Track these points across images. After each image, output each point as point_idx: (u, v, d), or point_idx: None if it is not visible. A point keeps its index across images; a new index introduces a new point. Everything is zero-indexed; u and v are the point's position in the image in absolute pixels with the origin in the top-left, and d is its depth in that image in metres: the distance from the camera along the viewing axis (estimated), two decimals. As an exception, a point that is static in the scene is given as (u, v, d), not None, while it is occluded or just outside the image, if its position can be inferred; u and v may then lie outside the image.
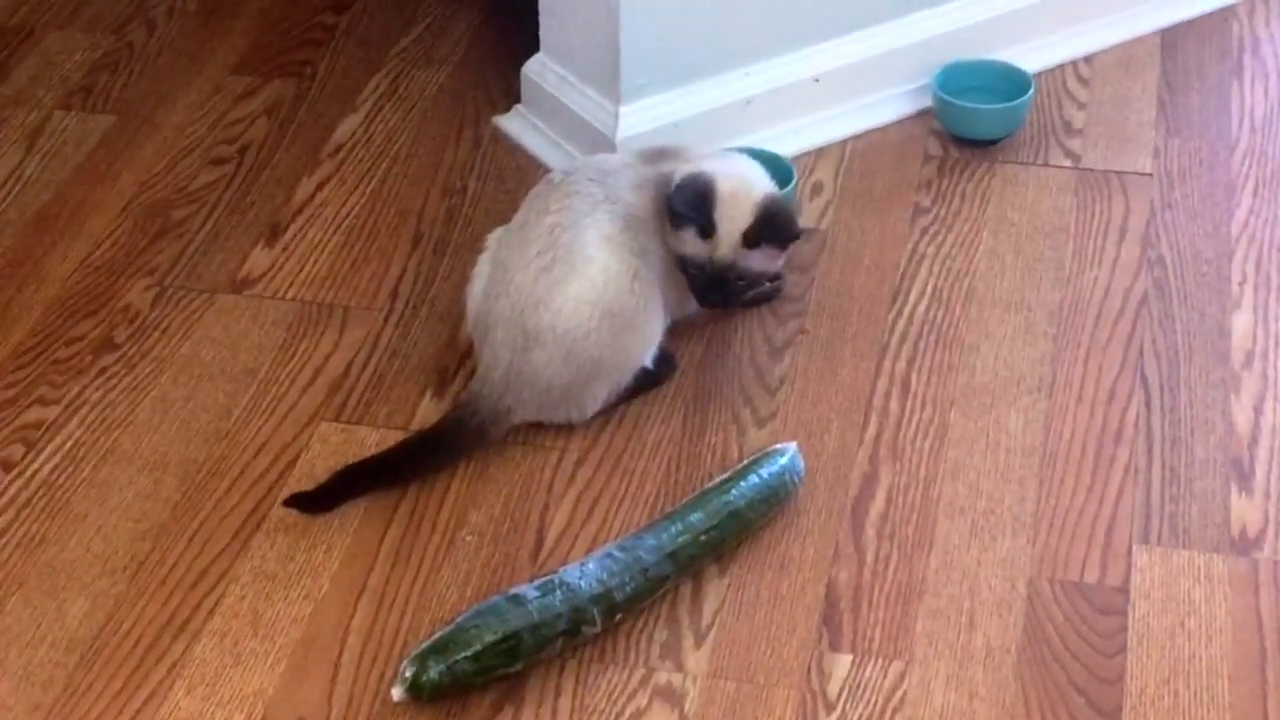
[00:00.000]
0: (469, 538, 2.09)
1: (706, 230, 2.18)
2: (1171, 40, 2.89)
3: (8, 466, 2.19)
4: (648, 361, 2.22)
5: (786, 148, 2.60)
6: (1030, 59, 2.76)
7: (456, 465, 2.17)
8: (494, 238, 2.25)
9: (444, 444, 2.16)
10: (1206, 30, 2.92)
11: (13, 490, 2.16)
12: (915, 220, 2.54)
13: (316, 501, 2.11)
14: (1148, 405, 2.25)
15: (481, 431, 2.16)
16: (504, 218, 2.31)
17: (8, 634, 1.99)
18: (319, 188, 2.64)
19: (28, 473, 2.18)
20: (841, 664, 1.94)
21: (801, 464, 2.12)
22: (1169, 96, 2.78)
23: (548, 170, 2.61)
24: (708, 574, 2.04)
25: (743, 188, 2.21)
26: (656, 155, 2.28)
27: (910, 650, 1.96)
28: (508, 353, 2.15)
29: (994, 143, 2.67)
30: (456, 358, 2.33)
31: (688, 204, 2.16)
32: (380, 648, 1.96)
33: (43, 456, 2.20)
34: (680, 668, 1.94)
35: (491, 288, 2.19)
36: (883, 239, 2.51)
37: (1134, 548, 2.07)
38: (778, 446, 2.13)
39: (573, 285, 2.14)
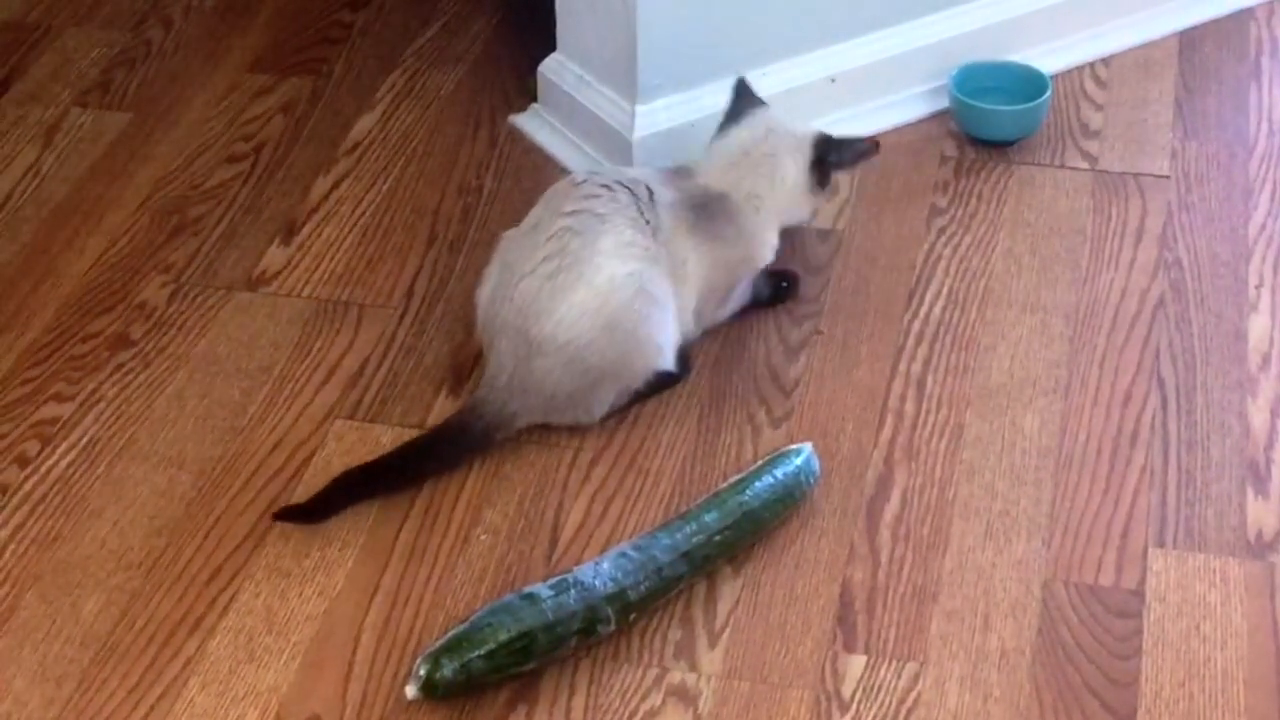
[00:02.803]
0: (483, 536, 2.09)
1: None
2: (1189, 42, 2.89)
3: (23, 463, 2.19)
4: (668, 365, 2.22)
5: (803, 148, 2.60)
6: (1048, 60, 2.76)
7: (471, 464, 2.17)
8: (507, 237, 2.25)
9: (449, 447, 2.16)
10: (1224, 32, 2.91)
11: (28, 486, 2.16)
12: (931, 221, 2.54)
13: (312, 512, 2.09)
14: (1164, 407, 2.25)
15: (487, 435, 2.16)
16: (520, 216, 2.31)
17: (23, 629, 1.99)
18: (335, 186, 2.65)
19: (43, 469, 2.19)
20: (856, 665, 1.94)
21: (816, 464, 2.12)
22: (1186, 98, 2.77)
23: (564, 169, 2.61)
24: (722, 574, 2.04)
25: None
26: (676, 175, 2.28)
27: (925, 651, 1.95)
28: (511, 360, 2.15)
29: (1011, 144, 2.66)
30: (471, 356, 2.33)
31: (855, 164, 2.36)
32: (394, 645, 1.96)
33: (58, 452, 2.21)
34: (694, 667, 1.94)
35: (498, 291, 2.18)
36: (899, 240, 2.51)
37: (1149, 550, 2.07)
38: (793, 447, 2.12)
39: (577, 294, 2.12)
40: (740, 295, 2.32)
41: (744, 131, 2.31)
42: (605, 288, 2.13)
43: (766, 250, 2.29)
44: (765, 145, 2.29)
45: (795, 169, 2.29)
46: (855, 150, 2.33)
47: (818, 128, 2.34)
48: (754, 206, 2.26)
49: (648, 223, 2.16)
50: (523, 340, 2.14)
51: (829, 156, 2.30)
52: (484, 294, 2.22)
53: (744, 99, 2.34)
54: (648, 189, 2.19)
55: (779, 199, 2.28)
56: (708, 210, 2.23)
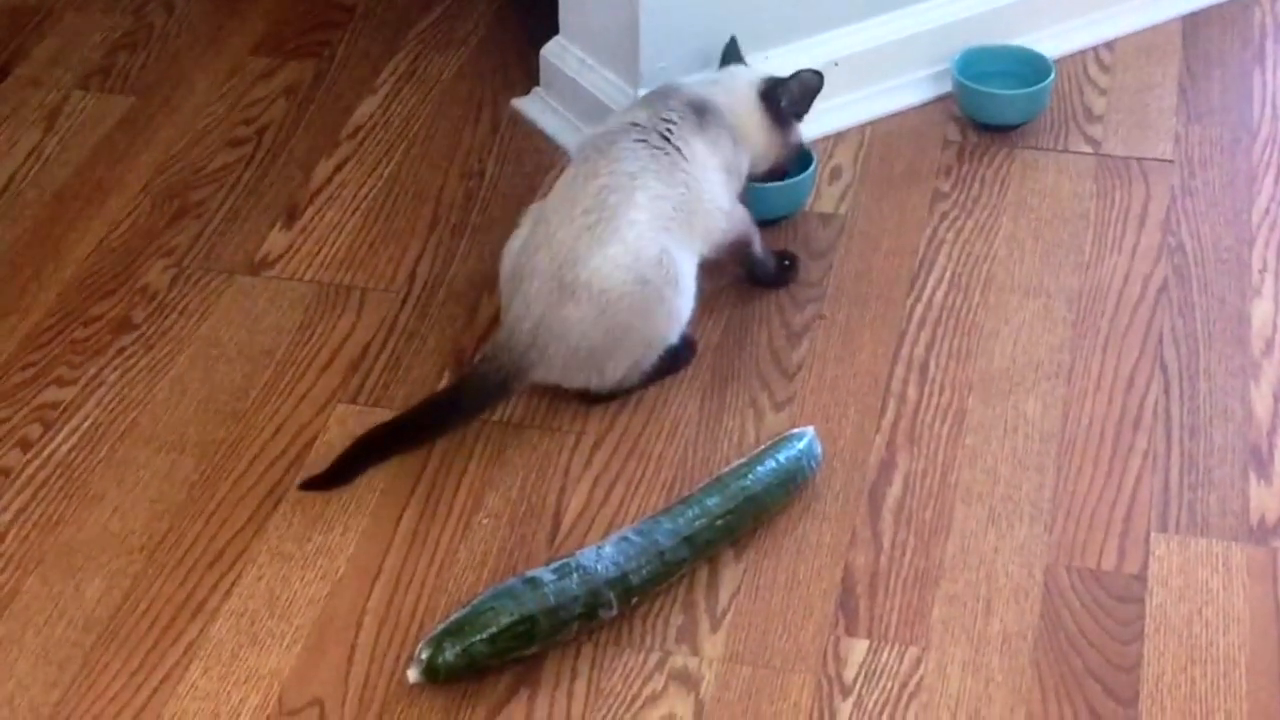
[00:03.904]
0: (485, 520, 2.09)
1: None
2: (1193, 26, 2.88)
3: (25, 446, 2.19)
4: (674, 338, 2.23)
5: (806, 132, 2.58)
6: (1051, 44, 2.76)
7: (473, 449, 2.17)
8: (534, 207, 2.26)
9: (465, 399, 2.16)
10: (1229, 16, 2.91)
11: (30, 470, 2.16)
12: (934, 205, 2.54)
13: (337, 476, 2.11)
14: (1166, 392, 2.24)
15: (503, 386, 2.16)
16: (522, 200, 2.32)
17: (25, 613, 1.99)
18: (337, 169, 2.64)
19: (45, 452, 2.18)
20: (858, 649, 1.94)
21: (819, 449, 2.12)
22: (1190, 83, 2.77)
23: (566, 153, 2.60)
24: (724, 558, 2.04)
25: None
26: (664, 94, 2.33)
27: (927, 636, 1.95)
28: (541, 305, 2.15)
29: (1014, 128, 2.66)
30: (474, 339, 2.33)
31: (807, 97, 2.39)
32: (396, 629, 1.96)
33: (60, 436, 2.21)
34: (696, 652, 1.94)
35: (531, 241, 2.19)
36: (902, 224, 2.51)
37: (1152, 535, 2.07)
38: (795, 431, 2.12)
39: (613, 246, 2.14)
40: (745, 220, 2.34)
41: (711, 72, 2.42)
42: (636, 244, 2.15)
43: (748, 156, 2.36)
44: (728, 72, 2.40)
45: (752, 97, 2.36)
46: (800, 82, 2.37)
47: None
48: (732, 114, 2.33)
49: (673, 165, 2.22)
50: (556, 285, 2.14)
51: (776, 90, 2.36)
52: (513, 246, 2.23)
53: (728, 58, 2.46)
54: (665, 123, 2.25)
55: (743, 119, 2.34)
56: (706, 111, 2.30)
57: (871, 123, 2.69)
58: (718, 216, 2.27)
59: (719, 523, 2.02)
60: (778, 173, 2.44)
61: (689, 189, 2.23)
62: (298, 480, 2.12)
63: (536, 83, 2.76)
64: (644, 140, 2.22)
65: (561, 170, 2.29)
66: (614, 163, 2.19)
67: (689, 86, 2.34)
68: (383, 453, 2.14)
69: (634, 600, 1.97)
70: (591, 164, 2.21)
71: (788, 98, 2.36)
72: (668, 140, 2.23)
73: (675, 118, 2.26)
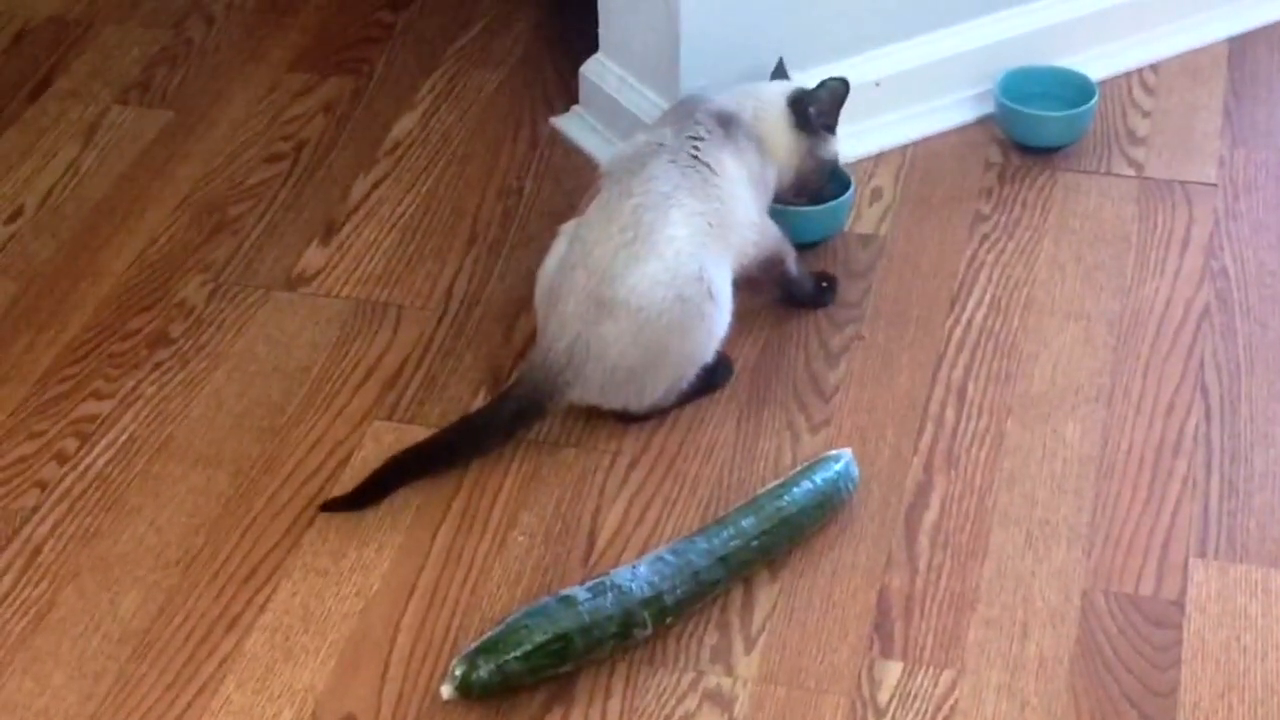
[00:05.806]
0: (520, 538, 2.09)
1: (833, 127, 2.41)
2: (1239, 49, 2.86)
3: (62, 459, 2.20)
4: (710, 356, 2.22)
5: (846, 152, 2.58)
6: (1095, 66, 2.74)
7: (508, 466, 2.17)
8: (570, 225, 2.26)
9: (500, 421, 2.16)
10: (1275, 39, 2.89)
11: (67, 483, 2.17)
12: (975, 227, 2.53)
13: (363, 497, 2.11)
14: (1207, 417, 2.23)
15: (539, 407, 2.16)
16: (560, 218, 2.31)
17: (61, 625, 1.99)
18: (375, 186, 2.65)
19: (81, 466, 2.19)
20: (892, 671, 1.93)
21: (855, 471, 2.11)
22: (1235, 106, 2.75)
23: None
24: (759, 579, 2.03)
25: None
26: (688, 107, 2.32)
27: (962, 659, 1.94)
28: (577, 324, 2.15)
29: (1056, 150, 2.65)
30: (510, 358, 2.32)
31: (835, 105, 2.38)
32: (430, 646, 1.96)
33: (97, 450, 2.21)
34: (730, 672, 1.93)
35: (567, 260, 2.19)
36: (942, 246, 2.50)
37: (1190, 561, 2.05)
38: (832, 453, 2.12)
39: (651, 263, 2.14)
40: (778, 236, 2.33)
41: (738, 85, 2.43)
42: (675, 261, 2.15)
43: (774, 169, 2.35)
44: (758, 84, 2.41)
45: (780, 105, 2.36)
46: (828, 90, 2.37)
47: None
48: (757, 124, 2.33)
49: (703, 181, 2.21)
50: (594, 303, 2.14)
51: (804, 99, 2.36)
52: (549, 264, 2.23)
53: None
54: (691, 141, 2.24)
55: (770, 128, 2.34)
56: (730, 123, 2.30)
57: (913, 143, 2.69)
58: (749, 230, 2.27)
59: (755, 543, 2.01)
60: (815, 193, 2.43)
61: (722, 203, 2.23)
62: (321, 502, 2.11)
63: (575, 101, 2.76)
64: (673, 161, 2.22)
65: (596, 190, 2.29)
66: (647, 182, 2.19)
67: (712, 98, 2.34)
68: (415, 475, 2.14)
69: (668, 620, 1.96)
70: (625, 184, 2.20)
71: (816, 106, 2.36)
72: (696, 158, 2.23)
73: (702, 133, 2.26)
